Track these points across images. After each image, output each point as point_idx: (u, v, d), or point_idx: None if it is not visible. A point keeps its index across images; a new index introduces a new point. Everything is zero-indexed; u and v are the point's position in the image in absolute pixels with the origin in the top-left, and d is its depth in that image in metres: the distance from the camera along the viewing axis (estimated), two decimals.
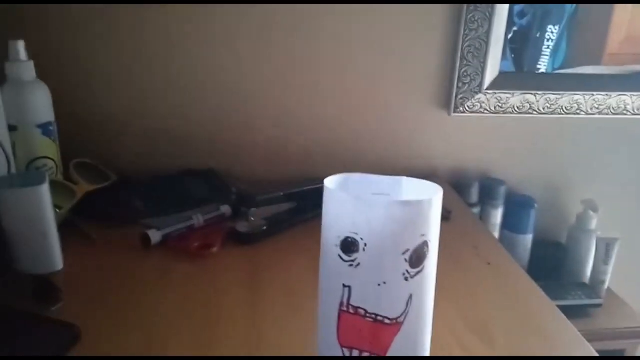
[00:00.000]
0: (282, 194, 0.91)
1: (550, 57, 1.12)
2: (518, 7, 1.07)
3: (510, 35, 1.09)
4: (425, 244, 0.44)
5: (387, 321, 0.44)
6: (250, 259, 0.78)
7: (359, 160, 1.15)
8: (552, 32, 1.11)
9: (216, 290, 0.70)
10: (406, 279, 0.44)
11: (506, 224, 1.19)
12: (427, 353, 0.49)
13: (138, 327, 0.61)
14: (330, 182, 0.47)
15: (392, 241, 0.43)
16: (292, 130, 1.11)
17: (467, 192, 1.15)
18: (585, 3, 1.09)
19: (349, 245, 0.44)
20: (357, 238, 0.43)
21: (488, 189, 1.17)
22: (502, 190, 1.17)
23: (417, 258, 0.44)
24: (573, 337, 0.65)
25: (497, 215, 1.18)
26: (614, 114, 1.16)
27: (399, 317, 0.45)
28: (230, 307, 0.66)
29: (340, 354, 0.47)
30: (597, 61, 1.14)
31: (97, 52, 1.01)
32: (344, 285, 0.45)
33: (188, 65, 1.04)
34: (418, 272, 0.44)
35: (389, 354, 0.46)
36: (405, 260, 0.43)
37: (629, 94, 1.15)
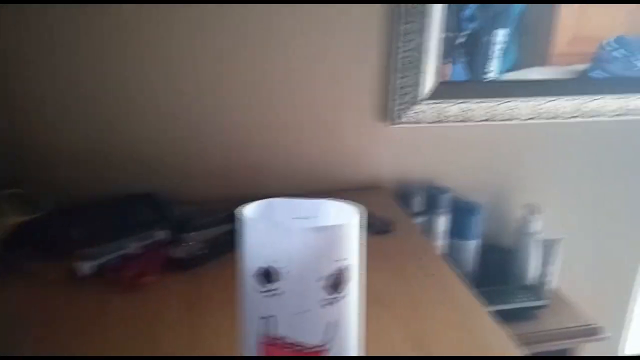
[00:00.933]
0: (221, 215, 0.89)
1: (500, 59, 1.15)
2: (467, 12, 1.09)
3: (461, 40, 1.11)
4: (344, 268, 0.43)
5: (308, 350, 0.44)
6: (190, 286, 0.76)
7: (304, 176, 1.14)
8: (501, 36, 1.13)
9: (153, 322, 0.68)
10: (326, 305, 0.43)
11: (452, 231, 1.20)
12: None
13: None
14: (248, 210, 0.46)
15: (309, 268, 0.42)
16: (237, 149, 1.10)
17: (412, 201, 1.16)
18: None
19: (266, 275, 0.43)
20: (274, 267, 0.42)
21: (433, 197, 1.18)
22: (447, 198, 1.18)
23: (336, 283, 0.43)
24: (508, 345, 0.66)
25: (443, 223, 1.19)
26: (549, 118, 1.19)
27: (321, 344, 0.44)
28: (168, 340, 0.64)
29: None
30: (544, 62, 1.17)
31: (29, 78, 0.97)
32: (264, 316, 0.44)
33: (125, 88, 1.01)
34: (339, 298, 0.44)
35: None
36: (324, 286, 0.43)
37: (563, 98, 1.19)
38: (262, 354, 0.45)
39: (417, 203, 1.17)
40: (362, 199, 1.03)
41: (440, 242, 1.19)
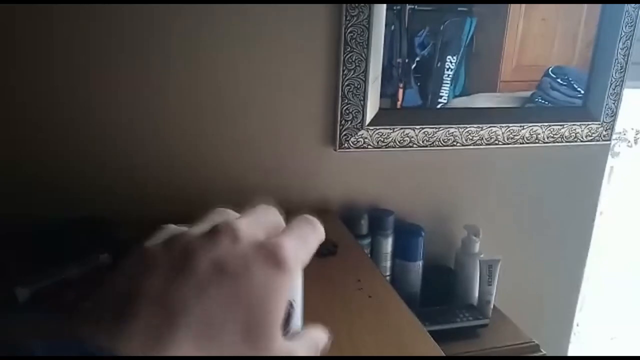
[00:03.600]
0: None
1: (451, 85, 1.20)
2: (419, 39, 1.15)
3: (413, 66, 1.16)
4: (290, 303, 0.44)
5: None
6: None
7: (251, 198, 1.15)
8: (451, 62, 1.18)
9: None
10: None
11: (397, 253, 1.23)
12: None
13: None
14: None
15: None
16: (184, 174, 1.11)
17: (357, 224, 1.19)
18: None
19: None
20: None
21: (377, 220, 1.21)
22: (391, 220, 1.21)
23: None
24: None
25: (388, 245, 1.22)
26: (487, 144, 1.25)
27: None
28: None
29: None
30: (492, 89, 1.23)
31: None
32: None
33: (64, 110, 1.01)
34: (284, 333, 0.45)
35: None
36: None
37: (498, 125, 1.25)
38: None
39: (362, 225, 1.19)
40: None
41: (385, 263, 1.22)
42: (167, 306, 0.24)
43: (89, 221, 1.00)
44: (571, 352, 1.59)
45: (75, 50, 0.99)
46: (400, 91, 1.18)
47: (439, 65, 1.18)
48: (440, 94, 1.20)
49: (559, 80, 1.28)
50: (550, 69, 1.27)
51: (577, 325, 1.59)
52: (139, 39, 1.01)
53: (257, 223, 0.30)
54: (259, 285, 0.26)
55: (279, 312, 0.27)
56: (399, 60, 1.15)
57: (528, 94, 1.27)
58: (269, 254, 0.27)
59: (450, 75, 1.19)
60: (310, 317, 0.52)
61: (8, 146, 1.01)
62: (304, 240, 0.31)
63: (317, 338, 0.33)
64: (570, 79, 1.29)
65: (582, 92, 1.31)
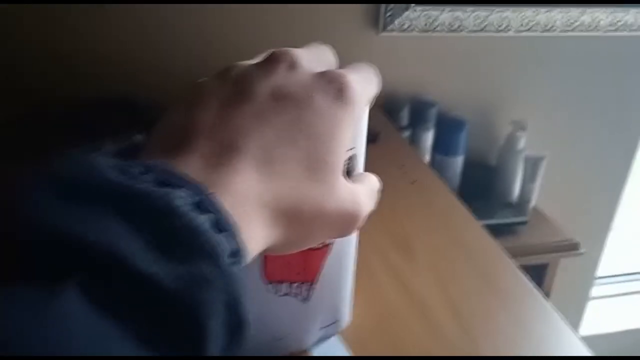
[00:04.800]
0: None
1: None
2: None
3: None
4: (353, 157, 0.40)
5: (317, 245, 0.41)
6: None
7: None
8: None
9: None
10: None
11: (437, 147, 1.18)
12: (352, 274, 0.47)
13: None
14: None
15: None
16: (219, 55, 1.05)
17: (397, 115, 1.13)
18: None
19: None
20: None
21: (419, 111, 1.15)
22: (433, 112, 1.15)
23: (345, 173, 0.40)
24: (495, 253, 0.65)
25: (429, 138, 1.17)
26: (542, 31, 1.15)
27: None
28: None
29: (266, 291, 0.43)
30: None
31: None
32: None
33: None
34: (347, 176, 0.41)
35: (319, 278, 0.43)
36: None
37: (557, 10, 1.14)
38: (266, 257, 0.42)
39: (402, 117, 1.14)
40: None
41: (425, 157, 1.17)
42: (225, 134, 0.23)
43: (122, 102, 0.97)
44: (607, 253, 1.56)
45: None
46: None
47: None
48: None
49: None
50: None
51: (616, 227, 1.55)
52: None
53: (315, 56, 0.28)
54: (322, 115, 0.24)
55: (343, 147, 0.25)
56: None
57: None
58: (332, 83, 0.25)
59: None
60: None
61: (43, 24, 0.96)
62: (367, 78, 0.28)
63: (375, 182, 0.32)
64: None
65: None
